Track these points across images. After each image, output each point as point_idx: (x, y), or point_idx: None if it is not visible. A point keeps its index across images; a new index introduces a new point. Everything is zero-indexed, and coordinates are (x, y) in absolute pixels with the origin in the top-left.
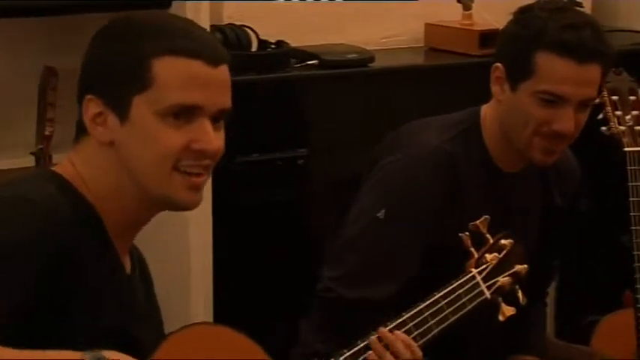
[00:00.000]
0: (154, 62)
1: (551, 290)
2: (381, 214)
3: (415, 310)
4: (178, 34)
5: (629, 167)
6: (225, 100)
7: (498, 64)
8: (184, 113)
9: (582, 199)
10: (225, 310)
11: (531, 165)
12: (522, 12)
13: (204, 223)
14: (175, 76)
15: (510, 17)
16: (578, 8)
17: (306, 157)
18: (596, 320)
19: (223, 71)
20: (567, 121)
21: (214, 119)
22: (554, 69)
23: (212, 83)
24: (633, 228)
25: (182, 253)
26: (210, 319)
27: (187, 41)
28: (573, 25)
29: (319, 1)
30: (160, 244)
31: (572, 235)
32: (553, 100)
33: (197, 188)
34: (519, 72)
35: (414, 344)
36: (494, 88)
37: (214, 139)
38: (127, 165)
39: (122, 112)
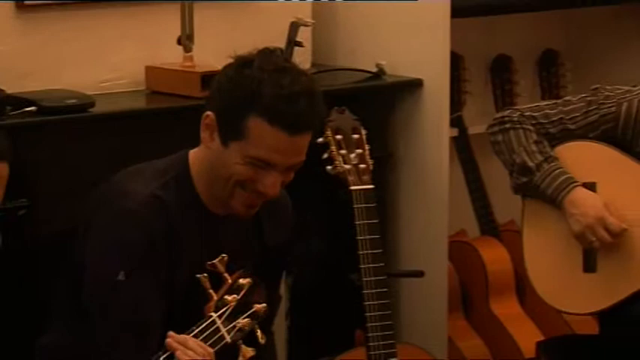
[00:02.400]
0: None
1: (282, 331)
2: (121, 276)
3: None
4: None
5: (355, 206)
6: None
7: (210, 113)
8: None
9: (312, 240)
10: None
11: None
12: (241, 66)
13: None
14: None
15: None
16: (297, 68)
17: (28, 207)
18: None
19: None
20: (272, 186)
21: None
22: (266, 137)
23: None
24: (362, 266)
25: None
26: None
27: None
28: (289, 95)
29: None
30: None
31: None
32: (261, 165)
33: None
34: (231, 130)
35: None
36: (204, 135)
37: None
38: None
39: None
